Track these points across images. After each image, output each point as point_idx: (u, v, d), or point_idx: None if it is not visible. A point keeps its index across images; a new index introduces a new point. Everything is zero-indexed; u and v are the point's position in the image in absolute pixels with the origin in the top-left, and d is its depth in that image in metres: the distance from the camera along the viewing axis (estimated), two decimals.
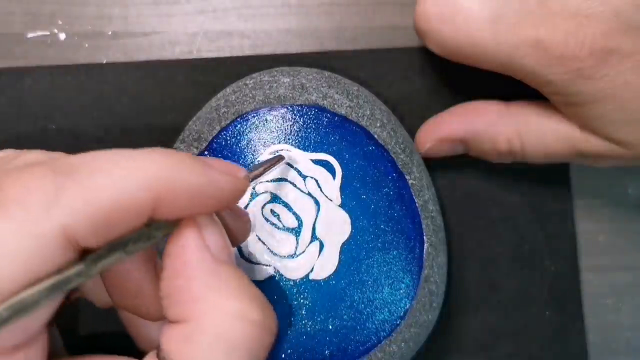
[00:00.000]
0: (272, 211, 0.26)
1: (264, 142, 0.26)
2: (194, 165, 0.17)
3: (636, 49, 0.22)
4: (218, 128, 0.26)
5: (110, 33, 0.29)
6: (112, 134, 0.29)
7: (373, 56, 0.29)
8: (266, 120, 0.26)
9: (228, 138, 0.26)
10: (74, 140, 0.28)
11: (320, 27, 0.29)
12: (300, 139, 0.26)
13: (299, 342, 0.25)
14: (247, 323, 0.17)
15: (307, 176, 0.26)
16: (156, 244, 0.18)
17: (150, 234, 0.18)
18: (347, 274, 0.25)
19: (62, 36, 0.29)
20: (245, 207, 0.25)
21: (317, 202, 0.26)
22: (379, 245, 0.26)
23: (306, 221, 0.25)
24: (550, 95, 0.24)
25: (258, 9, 0.29)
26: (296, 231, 0.25)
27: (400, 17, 0.29)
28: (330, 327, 0.25)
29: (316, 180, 0.26)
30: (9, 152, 0.20)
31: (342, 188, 0.26)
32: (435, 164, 0.28)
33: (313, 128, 0.26)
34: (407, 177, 0.26)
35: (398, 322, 0.25)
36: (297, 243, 0.25)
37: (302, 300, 0.25)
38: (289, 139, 0.26)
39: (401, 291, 0.26)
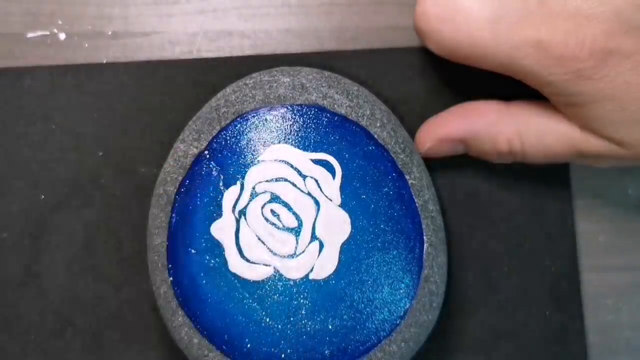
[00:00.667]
0: (272, 211, 0.26)
1: (264, 142, 0.26)
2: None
3: (636, 49, 0.22)
4: (218, 128, 0.26)
5: (110, 33, 0.29)
6: (112, 134, 0.29)
7: (373, 56, 0.29)
8: (266, 120, 0.26)
9: (228, 138, 0.26)
10: (74, 140, 0.29)
11: (320, 27, 0.29)
12: (300, 139, 0.26)
13: (299, 342, 0.25)
14: None
15: (307, 176, 0.26)
16: None
17: None
18: (347, 273, 0.25)
19: (62, 36, 0.29)
20: (245, 207, 0.25)
21: (317, 202, 0.26)
22: (379, 245, 0.26)
23: (306, 221, 0.25)
24: (550, 96, 0.24)
25: (258, 9, 0.29)
26: (296, 231, 0.25)
27: (400, 17, 0.29)
28: (330, 327, 0.25)
29: (316, 180, 0.26)
30: None
31: (342, 188, 0.26)
32: (435, 164, 0.28)
33: (313, 128, 0.26)
34: (407, 177, 0.26)
35: (398, 322, 0.25)
36: (297, 243, 0.25)
37: (302, 300, 0.25)
38: (288, 139, 0.26)
39: (401, 291, 0.26)
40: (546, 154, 0.25)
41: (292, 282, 0.25)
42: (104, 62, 0.29)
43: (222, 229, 0.25)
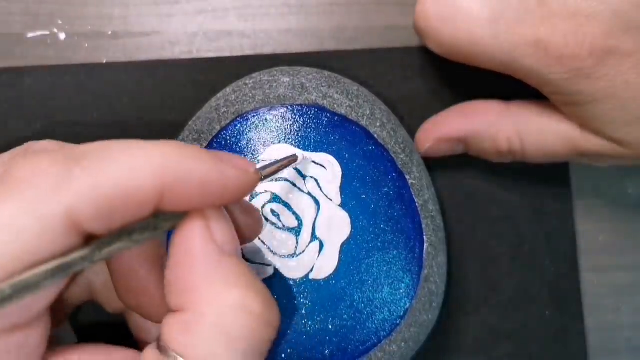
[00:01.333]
0: (272, 211, 0.26)
1: (264, 142, 0.26)
2: (204, 157, 0.17)
3: (636, 48, 0.22)
4: (218, 128, 0.26)
5: (110, 33, 0.29)
6: (112, 134, 0.29)
7: (373, 56, 0.29)
8: (266, 120, 0.26)
9: (228, 138, 0.26)
10: (74, 140, 0.28)
11: (320, 27, 0.29)
12: (300, 139, 0.26)
13: (299, 342, 0.25)
14: (247, 315, 0.17)
15: (307, 176, 0.26)
16: (163, 234, 0.18)
17: (157, 224, 0.18)
18: (347, 273, 0.25)
19: (62, 36, 0.29)
20: None
21: (317, 202, 0.26)
22: (379, 245, 0.26)
23: (306, 221, 0.25)
24: (550, 95, 0.24)
25: (258, 9, 0.29)
26: (296, 231, 0.25)
27: (400, 17, 0.29)
28: (330, 327, 0.25)
29: (316, 180, 0.26)
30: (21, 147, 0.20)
31: (342, 188, 0.26)
32: (435, 164, 0.28)
33: (313, 128, 0.26)
34: (407, 176, 0.26)
35: (398, 322, 0.25)
36: (297, 243, 0.25)
37: (302, 300, 0.25)
38: (288, 139, 0.26)
39: (401, 291, 0.26)
40: (546, 153, 0.25)
41: (292, 282, 0.25)
42: (104, 62, 0.29)
43: None
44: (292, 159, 0.24)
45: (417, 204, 0.26)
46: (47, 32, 0.29)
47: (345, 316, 0.25)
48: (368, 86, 0.28)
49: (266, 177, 0.21)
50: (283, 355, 0.25)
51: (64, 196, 0.16)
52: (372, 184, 0.26)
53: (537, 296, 0.29)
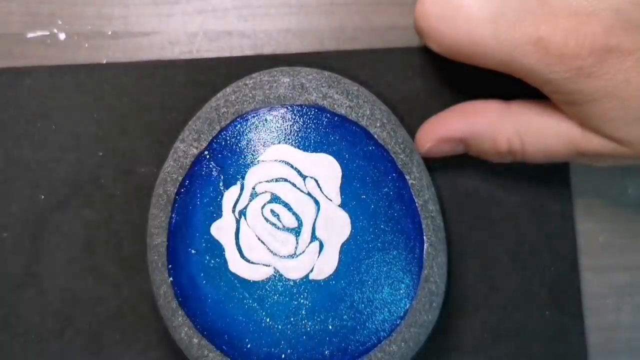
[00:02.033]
0: (272, 211, 0.25)
1: (264, 142, 0.26)
2: None
3: (636, 47, 0.22)
4: (218, 128, 0.26)
5: (110, 33, 0.29)
6: (112, 134, 0.29)
7: (373, 56, 0.29)
8: (266, 120, 0.26)
9: (228, 138, 0.26)
10: (74, 140, 0.28)
11: (320, 27, 0.29)
12: (300, 139, 0.26)
13: (298, 342, 0.25)
14: None
15: (307, 176, 0.26)
16: None
17: None
18: (347, 274, 0.25)
19: (62, 36, 0.29)
20: (245, 207, 0.25)
21: (317, 202, 0.25)
22: (379, 245, 0.26)
23: (306, 221, 0.25)
24: (551, 94, 0.24)
25: (258, 9, 0.29)
26: (296, 231, 0.25)
27: (400, 17, 0.29)
28: (330, 327, 0.25)
29: (316, 180, 0.26)
30: None
31: (342, 188, 0.26)
32: (435, 164, 0.28)
33: (313, 128, 0.26)
34: (407, 177, 0.26)
35: (398, 322, 0.25)
36: (297, 243, 0.25)
37: (302, 300, 0.25)
38: (288, 139, 0.26)
39: (401, 291, 0.25)
40: (546, 153, 0.25)
41: (292, 283, 0.25)
42: (104, 62, 0.29)
43: (222, 229, 0.25)
44: None
45: (417, 204, 0.26)
46: (47, 32, 0.29)
47: (345, 316, 0.25)
48: (368, 86, 0.27)
49: None
50: (283, 356, 0.25)
51: None
52: (372, 184, 0.26)
53: (537, 296, 0.29)
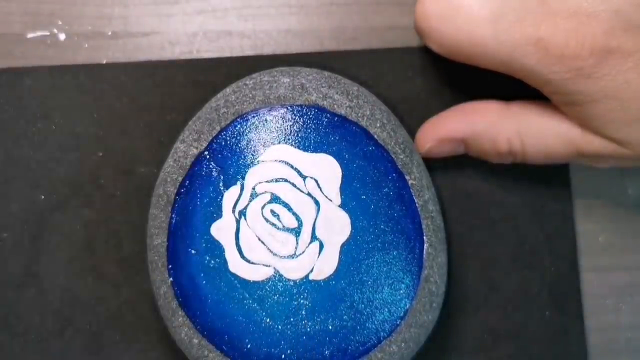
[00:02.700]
0: (272, 211, 0.25)
1: (264, 143, 0.26)
2: None
3: (637, 48, 0.22)
4: (218, 128, 0.26)
5: (110, 33, 0.29)
6: (112, 134, 0.29)
7: (373, 56, 0.29)
8: (266, 120, 0.26)
9: (228, 138, 0.26)
10: (74, 140, 0.28)
11: (320, 27, 0.29)
12: (300, 139, 0.26)
13: (299, 342, 0.25)
14: None
15: (307, 176, 0.26)
16: None
17: None
18: (347, 274, 0.25)
19: (62, 36, 0.29)
20: (245, 207, 0.25)
21: (317, 202, 0.25)
22: (379, 245, 0.26)
23: (306, 221, 0.25)
24: (551, 95, 0.24)
25: (258, 9, 0.29)
26: (296, 231, 0.25)
27: (400, 17, 0.29)
28: (330, 327, 0.25)
29: (316, 181, 0.26)
30: None
31: (342, 188, 0.26)
32: (435, 164, 0.28)
33: (313, 128, 0.26)
34: (407, 177, 0.26)
35: (398, 322, 0.25)
36: (297, 243, 0.25)
37: (302, 301, 0.25)
38: (288, 139, 0.26)
39: (401, 291, 0.25)
40: (546, 154, 0.25)
41: (292, 283, 0.25)
42: (104, 62, 0.29)
43: (222, 230, 0.25)
44: None
45: (417, 205, 0.26)
46: (47, 32, 0.29)
47: (345, 317, 0.25)
48: (368, 86, 0.27)
49: None
50: (283, 356, 0.25)
51: None
52: (372, 184, 0.26)
53: (537, 296, 0.29)
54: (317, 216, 0.25)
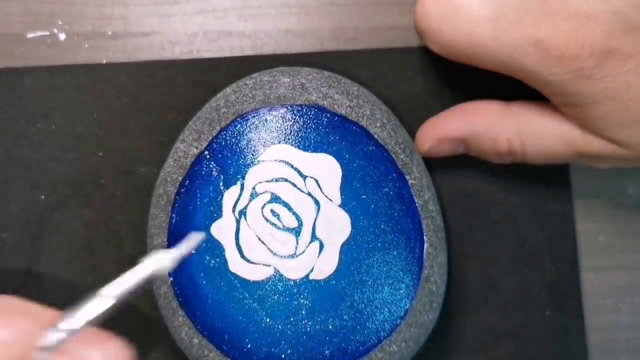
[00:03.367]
0: (272, 211, 0.26)
1: (264, 142, 0.26)
2: None
3: (637, 49, 0.22)
4: (218, 128, 0.26)
5: (110, 33, 0.29)
6: (112, 134, 0.29)
7: (373, 56, 0.29)
8: (266, 120, 0.26)
9: (228, 138, 0.26)
10: (74, 140, 0.28)
11: (320, 27, 0.29)
12: (300, 139, 0.26)
13: (299, 342, 0.25)
14: None
15: (307, 176, 0.26)
16: None
17: None
18: (347, 274, 0.25)
19: (62, 36, 0.29)
20: (245, 207, 0.25)
21: (317, 202, 0.25)
22: (379, 245, 0.26)
23: (306, 221, 0.25)
24: (551, 96, 0.24)
25: (258, 9, 0.29)
26: (296, 231, 0.25)
27: (400, 17, 0.29)
28: (330, 327, 0.25)
29: (316, 180, 0.26)
30: None
31: (342, 188, 0.26)
32: (435, 164, 0.28)
33: (313, 128, 0.26)
34: (407, 177, 0.26)
35: (398, 322, 0.25)
36: (297, 243, 0.25)
37: (302, 300, 0.25)
38: (288, 139, 0.26)
39: (401, 291, 0.26)
40: (546, 154, 0.25)
41: (292, 283, 0.25)
42: (104, 62, 0.29)
43: (222, 229, 0.25)
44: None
45: (417, 204, 0.26)
46: (47, 32, 0.29)
47: (345, 316, 0.25)
48: (368, 86, 0.27)
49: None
50: (283, 356, 0.25)
51: None
52: (372, 184, 0.26)
53: (537, 296, 0.29)
54: (317, 216, 0.25)
